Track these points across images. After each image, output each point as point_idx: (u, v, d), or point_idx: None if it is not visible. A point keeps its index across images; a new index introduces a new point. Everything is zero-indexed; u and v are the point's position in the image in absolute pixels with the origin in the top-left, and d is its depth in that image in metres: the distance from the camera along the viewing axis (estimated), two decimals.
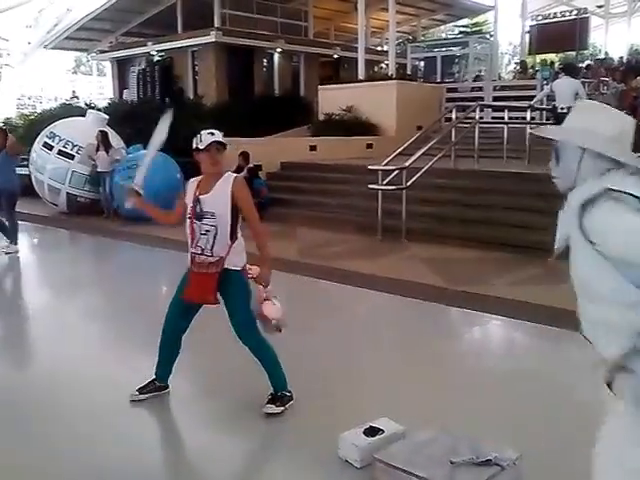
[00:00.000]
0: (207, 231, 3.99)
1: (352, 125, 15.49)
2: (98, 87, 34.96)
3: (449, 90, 17.36)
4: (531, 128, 12.61)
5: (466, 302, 6.57)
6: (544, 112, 13.78)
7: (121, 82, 24.44)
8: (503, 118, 12.38)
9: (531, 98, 14.41)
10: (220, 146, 3.98)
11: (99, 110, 15.94)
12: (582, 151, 2.09)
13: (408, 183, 9.46)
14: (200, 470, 3.64)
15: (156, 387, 4.38)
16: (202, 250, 4.02)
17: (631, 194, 1.94)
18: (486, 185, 10.10)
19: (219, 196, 3.98)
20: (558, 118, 11.38)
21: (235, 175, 4.13)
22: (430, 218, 9.79)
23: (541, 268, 7.15)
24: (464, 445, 3.22)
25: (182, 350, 4.34)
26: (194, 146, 3.98)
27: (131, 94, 21.38)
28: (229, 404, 4.31)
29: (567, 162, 2.15)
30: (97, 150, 12.36)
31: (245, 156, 12.23)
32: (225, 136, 14.00)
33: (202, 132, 3.99)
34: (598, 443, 2.09)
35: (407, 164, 9.51)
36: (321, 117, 16.59)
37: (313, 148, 14.26)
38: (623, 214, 1.91)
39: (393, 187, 9.49)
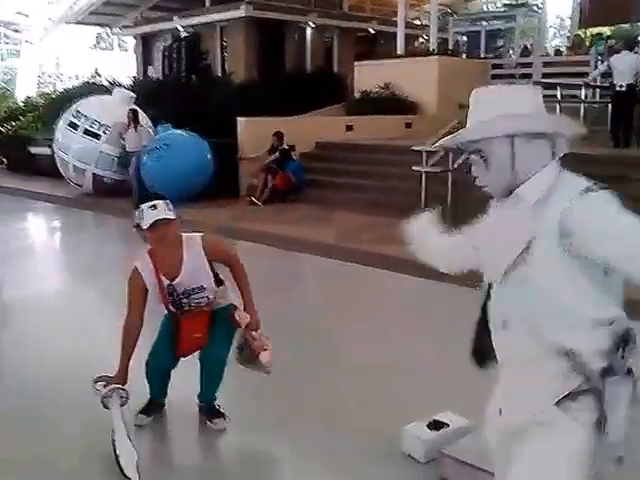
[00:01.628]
0: (198, 304, 3.77)
1: (390, 103, 15.32)
2: (120, 64, 35.09)
3: (494, 66, 17.07)
4: (586, 106, 12.42)
5: None
6: (597, 90, 13.51)
7: (145, 59, 24.45)
8: (555, 96, 12.10)
9: (583, 75, 14.14)
10: (166, 222, 3.54)
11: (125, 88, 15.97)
12: (511, 140, 1.91)
13: (455, 165, 9.30)
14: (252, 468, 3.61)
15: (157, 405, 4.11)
16: (195, 306, 3.81)
17: None
18: None
19: (196, 270, 3.67)
20: (616, 97, 11.12)
21: (199, 236, 3.75)
22: (479, 202, 9.60)
23: None
24: None
25: None
26: (135, 222, 3.58)
27: (156, 71, 21.44)
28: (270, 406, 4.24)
29: (498, 160, 1.94)
30: (127, 129, 12.36)
31: (279, 136, 12.18)
32: (255, 115, 14.03)
33: (143, 206, 3.53)
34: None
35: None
36: (357, 95, 16.44)
37: (349, 128, 14.14)
38: (618, 208, 1.82)
39: (438, 169, 9.34)
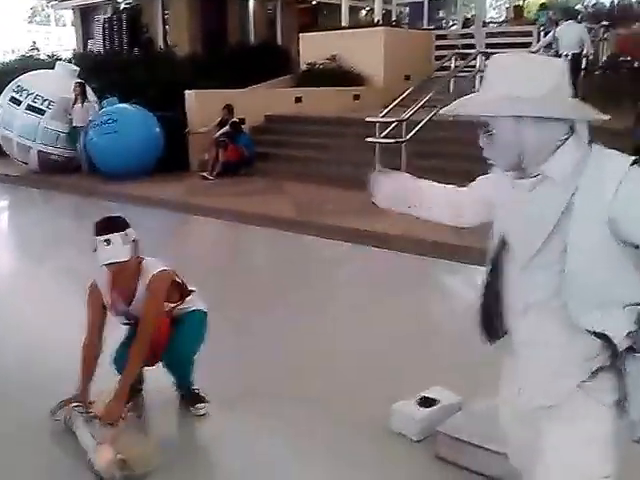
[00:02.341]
0: (134, 323, 3.60)
1: (337, 75, 15.20)
2: (58, 37, 33.98)
3: (438, 37, 17.07)
4: None
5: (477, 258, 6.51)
6: None
7: (85, 32, 23.70)
8: None
9: (526, 45, 14.28)
10: (122, 264, 3.37)
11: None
12: (517, 121, 1.80)
13: (408, 136, 9.31)
14: (244, 449, 3.50)
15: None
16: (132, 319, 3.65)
17: None
18: None
19: (143, 301, 3.52)
20: None
21: (152, 276, 3.48)
22: (431, 173, 9.61)
23: None
24: None
25: None
26: (92, 250, 3.38)
27: (96, 45, 20.77)
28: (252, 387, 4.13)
29: (504, 138, 1.84)
30: (74, 104, 11.98)
31: (229, 109, 11.99)
32: (200, 88, 13.77)
33: (98, 238, 3.32)
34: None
35: (406, 116, 9.36)
36: (303, 67, 16.26)
37: (298, 100, 14.00)
38: None
39: (392, 140, 9.33)
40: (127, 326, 3.72)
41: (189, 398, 3.82)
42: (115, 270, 3.41)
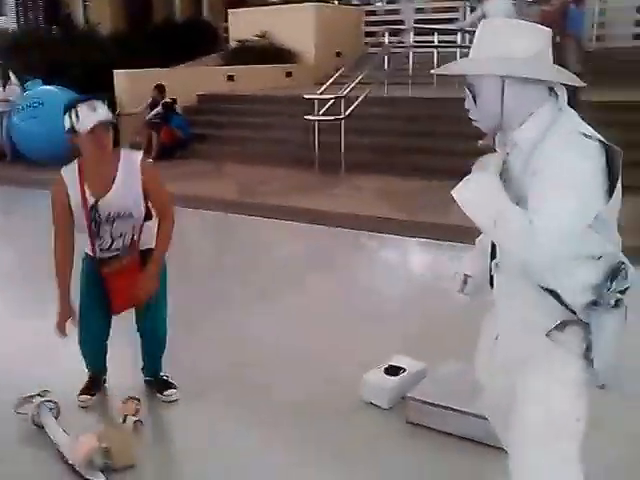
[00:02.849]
0: (122, 234, 3.39)
1: (268, 52, 15.16)
2: None
3: (368, 13, 17.23)
4: (462, 51, 12.84)
5: (428, 232, 6.76)
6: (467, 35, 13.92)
7: None
8: (432, 42, 12.46)
9: (453, 21, 14.59)
10: (108, 125, 3.20)
11: None
12: (502, 81, 1.94)
13: (347, 112, 9.47)
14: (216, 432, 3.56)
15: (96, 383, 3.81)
16: (116, 253, 3.44)
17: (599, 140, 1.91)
18: (426, 112, 10.24)
19: (128, 191, 3.30)
20: None
21: (140, 155, 3.39)
22: (369, 149, 9.88)
23: None
24: None
25: None
26: (67, 126, 3.18)
27: (9, 22, 20.14)
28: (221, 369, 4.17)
29: (487, 98, 1.98)
30: None
31: (160, 89, 11.87)
32: (126, 67, 13.43)
33: (78, 105, 3.14)
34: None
35: (345, 93, 9.51)
36: (233, 44, 16.16)
37: (230, 78, 13.96)
38: (590, 147, 1.88)
39: (332, 117, 9.48)
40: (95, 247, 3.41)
41: (158, 384, 3.76)
42: (102, 137, 3.17)
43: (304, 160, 9.96)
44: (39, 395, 3.53)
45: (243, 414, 3.64)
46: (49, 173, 10.72)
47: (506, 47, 1.94)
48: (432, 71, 2.27)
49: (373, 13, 17.46)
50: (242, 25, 16.04)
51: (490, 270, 2.25)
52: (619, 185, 1.93)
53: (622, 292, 2.01)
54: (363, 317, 4.84)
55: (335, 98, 9.58)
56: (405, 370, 3.70)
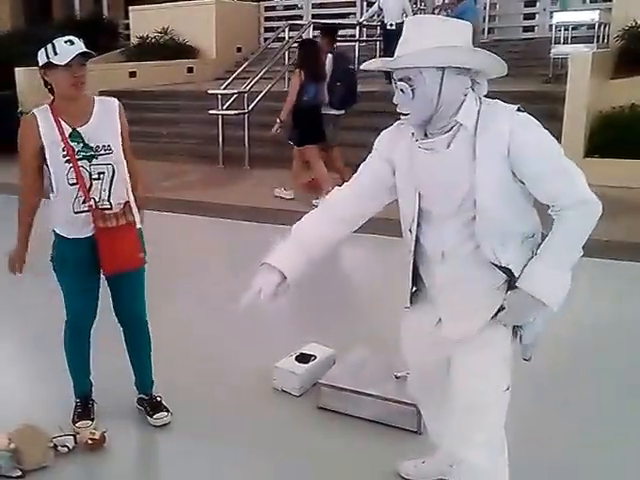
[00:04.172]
0: (101, 173, 3.02)
1: (170, 48, 14.86)
2: None
3: (267, 9, 17.10)
4: (360, 45, 12.93)
5: None
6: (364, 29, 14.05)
7: None
8: None
9: (349, 15, 14.71)
10: (85, 59, 2.94)
11: None
12: (442, 72, 1.94)
13: (250, 107, 9.38)
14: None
15: (88, 407, 3.44)
16: (96, 202, 3.04)
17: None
18: None
19: (107, 123, 3.06)
20: (387, 35, 11.69)
21: (115, 99, 3.20)
22: (272, 143, 9.77)
23: None
24: (398, 360, 3.37)
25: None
26: (43, 61, 2.92)
27: None
28: None
29: (425, 90, 1.96)
30: None
31: None
32: (27, 65, 12.89)
33: (54, 41, 2.93)
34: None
35: (248, 87, 9.43)
36: (134, 41, 15.75)
37: (133, 74, 13.63)
38: (543, 130, 2.01)
39: (236, 112, 9.37)
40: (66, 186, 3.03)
41: (149, 404, 3.43)
42: (79, 73, 2.91)
43: (208, 155, 9.83)
44: None
45: (172, 398, 3.50)
46: None
47: (443, 39, 1.94)
48: (369, 67, 2.19)
49: (273, 9, 17.35)
50: (143, 22, 15.66)
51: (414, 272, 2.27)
52: None
53: None
54: (274, 309, 4.75)
55: (238, 93, 9.49)
56: (315, 357, 3.67)
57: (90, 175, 3.00)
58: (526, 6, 14.78)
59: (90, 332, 3.34)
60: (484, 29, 14.48)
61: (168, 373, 3.81)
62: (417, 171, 2.12)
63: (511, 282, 2.10)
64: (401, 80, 1.99)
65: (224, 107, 9.55)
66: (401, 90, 1.99)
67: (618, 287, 5.44)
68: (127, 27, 17.08)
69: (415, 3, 13.58)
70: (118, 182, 3.07)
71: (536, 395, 3.45)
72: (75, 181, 2.98)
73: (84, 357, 3.37)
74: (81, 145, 2.97)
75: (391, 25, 11.50)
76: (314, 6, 16.90)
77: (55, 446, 3.11)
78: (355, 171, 2.33)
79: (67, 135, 2.96)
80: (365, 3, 15.12)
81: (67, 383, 3.41)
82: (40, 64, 2.95)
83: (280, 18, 16.22)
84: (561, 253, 2.04)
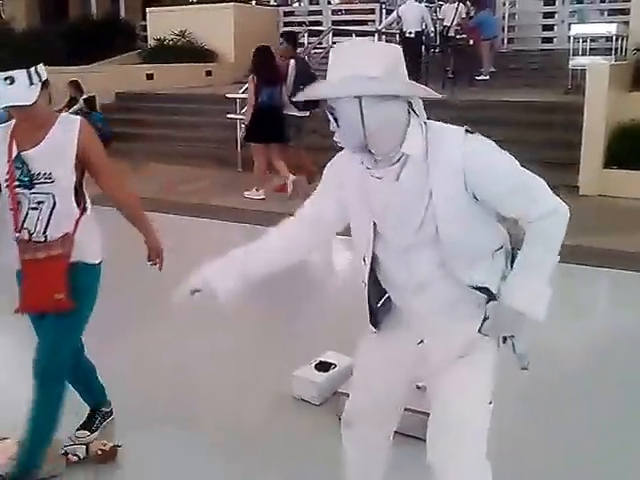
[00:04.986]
0: (40, 203, 2.79)
1: (187, 51, 14.98)
2: None
3: (286, 14, 17.18)
4: None
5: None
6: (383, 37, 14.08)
7: None
8: None
9: (368, 23, 14.74)
10: (27, 108, 2.70)
11: None
12: (359, 101, 1.88)
13: None
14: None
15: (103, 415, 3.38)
16: (30, 233, 2.81)
17: None
18: None
19: (57, 149, 2.78)
20: (406, 43, 11.71)
21: (80, 118, 2.92)
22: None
23: None
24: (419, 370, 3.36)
25: None
26: None
27: None
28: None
29: (348, 119, 1.92)
30: None
31: (76, 85, 11.52)
32: (46, 65, 13.20)
33: None
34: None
35: None
36: (152, 43, 15.84)
37: (150, 77, 13.71)
38: (495, 148, 1.98)
39: None
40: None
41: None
42: (21, 117, 2.76)
43: (227, 159, 9.86)
44: None
45: (180, 421, 3.49)
46: None
47: (357, 68, 1.88)
48: (300, 99, 2.22)
49: (292, 14, 17.42)
50: (161, 24, 15.77)
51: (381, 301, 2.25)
52: None
53: None
54: (295, 315, 4.79)
55: None
56: (335, 366, 3.67)
57: (29, 203, 2.80)
58: (545, 17, 14.82)
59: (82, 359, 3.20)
60: (503, 39, 14.52)
61: (187, 380, 3.87)
62: (370, 199, 2.08)
63: (491, 299, 2.09)
64: (329, 109, 1.96)
65: (242, 111, 9.57)
66: (330, 119, 1.97)
67: None
68: (144, 29, 17.17)
69: (435, 12, 13.62)
70: (60, 214, 2.81)
71: (520, 408, 3.45)
72: (12, 206, 2.81)
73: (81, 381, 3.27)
74: (20, 171, 2.77)
75: (410, 33, 11.58)
76: (334, 12, 17.00)
77: (66, 454, 3.12)
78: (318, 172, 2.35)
79: (13, 159, 2.77)
80: (384, 11, 15.19)
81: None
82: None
83: (299, 24, 16.29)
84: (537, 263, 2.03)
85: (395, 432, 3.16)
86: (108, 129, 11.43)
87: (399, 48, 2.03)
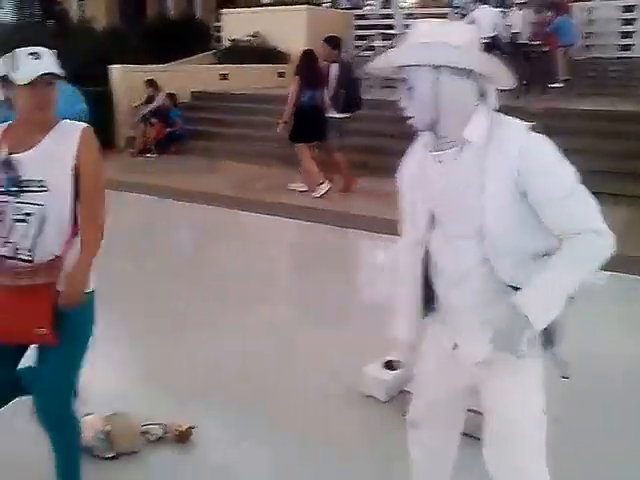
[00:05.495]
0: (27, 215, 2.43)
1: (260, 52, 15.20)
2: None
3: (358, 17, 17.29)
4: None
5: None
6: None
7: None
8: None
9: None
10: (53, 79, 2.44)
11: None
12: (436, 71, 1.87)
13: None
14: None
15: None
16: (15, 250, 2.45)
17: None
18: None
19: (52, 156, 2.45)
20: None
21: (84, 127, 2.52)
22: (362, 149, 9.89)
23: None
24: None
25: None
26: (1, 73, 2.41)
27: (7, 15, 19.94)
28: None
29: (422, 91, 1.90)
30: None
31: (153, 84, 11.87)
32: (121, 62, 13.42)
33: (17, 50, 2.40)
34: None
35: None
36: (226, 43, 16.16)
37: (224, 77, 13.98)
38: (556, 152, 1.91)
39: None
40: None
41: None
42: (43, 93, 2.41)
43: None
44: None
45: (248, 411, 3.62)
46: None
47: (439, 35, 1.89)
48: (374, 69, 2.07)
49: (364, 17, 17.50)
50: (235, 25, 16.07)
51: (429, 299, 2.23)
52: None
53: None
54: (367, 312, 4.87)
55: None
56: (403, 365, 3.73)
57: (13, 214, 2.43)
58: (623, 24, 14.54)
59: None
60: (581, 46, 14.31)
61: (259, 373, 4.01)
62: (428, 184, 2.08)
63: None
64: (403, 81, 1.95)
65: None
66: (404, 91, 1.96)
67: None
68: (218, 29, 17.53)
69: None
70: (50, 230, 2.45)
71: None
72: None
73: None
74: (5, 176, 2.44)
75: (483, 39, 11.49)
76: (406, 16, 17.00)
77: (145, 433, 3.30)
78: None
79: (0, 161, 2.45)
80: (458, 16, 15.12)
81: (156, 374, 3.64)
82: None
83: (372, 27, 16.35)
84: (561, 274, 1.92)
85: (462, 434, 3.24)
86: (183, 127, 11.77)
87: (475, 29, 2.08)
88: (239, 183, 9.30)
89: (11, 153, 2.44)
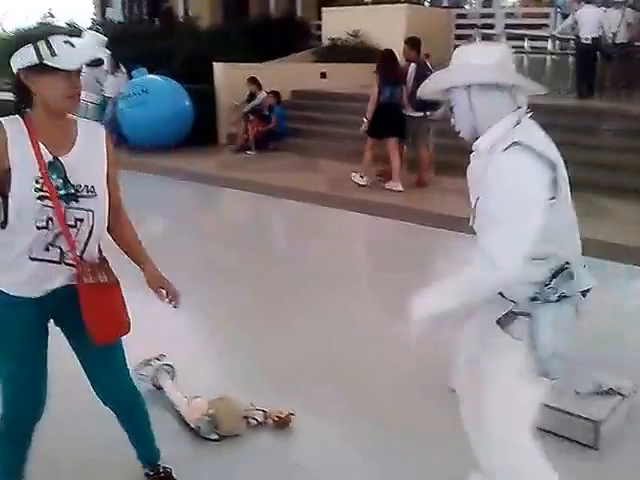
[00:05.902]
0: (79, 221, 2.39)
1: (359, 51, 15.25)
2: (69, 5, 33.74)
3: (458, 16, 17.19)
4: (552, 58, 12.74)
5: None
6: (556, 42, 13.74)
7: (103, 0, 23.70)
8: (522, 47, 12.39)
9: (542, 27, 14.42)
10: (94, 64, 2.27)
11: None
12: (467, 90, 2.17)
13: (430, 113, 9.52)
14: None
15: None
16: (61, 255, 2.39)
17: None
18: None
19: (92, 159, 2.44)
20: (582, 49, 11.44)
21: (99, 125, 2.60)
22: (457, 150, 9.87)
23: None
24: (582, 374, 3.45)
25: None
26: (29, 61, 2.24)
27: (115, 14, 20.82)
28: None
29: (460, 108, 2.21)
30: (108, 74, 12.10)
31: (255, 82, 12.14)
32: (224, 60, 13.74)
33: (49, 38, 2.23)
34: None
35: None
36: (326, 42, 16.36)
37: (323, 75, 14.19)
38: (525, 159, 2.08)
39: (421, 114, 9.49)
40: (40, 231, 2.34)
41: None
42: (77, 84, 2.32)
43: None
44: (157, 359, 3.89)
45: (346, 402, 3.80)
46: (149, 158, 11.28)
47: (465, 58, 2.23)
48: (421, 93, 2.38)
49: (463, 16, 17.39)
50: (335, 23, 16.24)
51: None
52: (564, 194, 2.15)
53: (584, 293, 2.23)
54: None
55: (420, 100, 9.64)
56: None
57: (69, 220, 2.37)
58: None
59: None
60: None
61: (352, 366, 4.20)
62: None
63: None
64: (447, 102, 2.29)
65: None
66: (449, 109, 2.28)
67: None
68: (318, 27, 17.74)
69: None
70: (96, 235, 2.47)
71: None
72: (45, 224, 2.33)
73: (24, 455, 2.68)
74: (61, 181, 2.33)
75: (586, 39, 11.28)
76: (507, 16, 16.79)
77: (247, 417, 3.55)
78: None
79: (47, 164, 2.31)
80: (560, 15, 14.84)
81: (258, 359, 3.94)
82: (21, 65, 2.27)
83: (472, 26, 16.23)
84: (451, 285, 2.22)
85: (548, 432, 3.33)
86: (283, 124, 12.05)
87: (508, 48, 2.31)
88: (333, 181, 9.51)
89: (56, 156, 2.34)
